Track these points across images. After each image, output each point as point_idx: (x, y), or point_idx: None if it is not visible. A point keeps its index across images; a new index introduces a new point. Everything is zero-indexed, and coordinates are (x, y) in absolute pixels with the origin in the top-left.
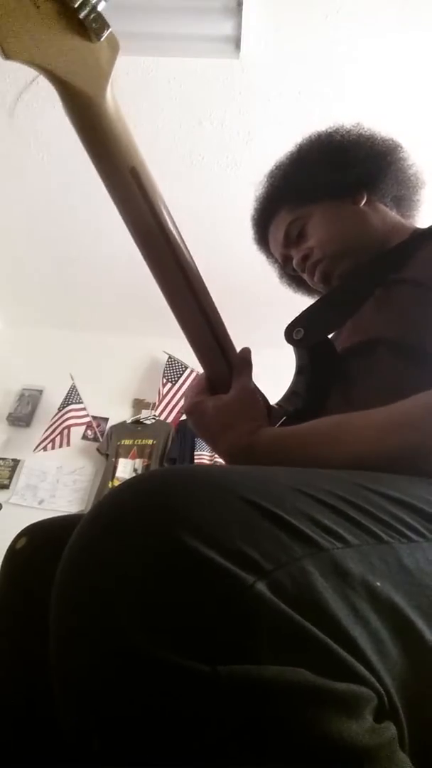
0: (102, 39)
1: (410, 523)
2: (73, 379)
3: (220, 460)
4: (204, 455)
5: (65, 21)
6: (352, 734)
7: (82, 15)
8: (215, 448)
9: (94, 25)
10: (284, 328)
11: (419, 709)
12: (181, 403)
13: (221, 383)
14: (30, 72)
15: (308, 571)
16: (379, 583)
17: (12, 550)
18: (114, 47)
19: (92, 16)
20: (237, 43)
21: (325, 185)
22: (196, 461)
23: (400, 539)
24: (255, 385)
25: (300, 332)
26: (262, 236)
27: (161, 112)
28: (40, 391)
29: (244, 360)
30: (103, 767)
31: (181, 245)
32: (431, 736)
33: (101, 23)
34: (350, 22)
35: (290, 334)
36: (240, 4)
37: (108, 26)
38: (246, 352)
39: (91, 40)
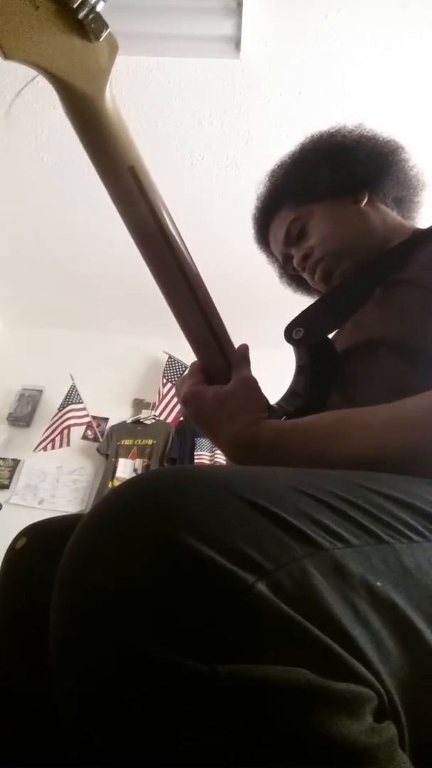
0: (101, 39)
1: (411, 524)
2: (73, 379)
3: (220, 460)
4: (204, 455)
5: (64, 21)
6: (352, 734)
7: (80, 15)
8: (215, 439)
9: (93, 25)
10: (284, 327)
11: (419, 709)
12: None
13: (219, 378)
14: (29, 72)
15: (308, 571)
16: (379, 583)
17: (12, 550)
18: (113, 47)
19: (91, 16)
20: (237, 43)
21: (327, 184)
22: (196, 461)
23: (400, 539)
24: (255, 378)
25: (300, 332)
26: (263, 235)
27: (161, 112)
28: (40, 391)
29: (242, 356)
30: (104, 767)
31: (180, 244)
32: (431, 736)
33: (100, 23)
34: (351, 21)
35: (290, 333)
36: (240, 4)
37: (107, 26)
38: (244, 348)
39: (90, 40)
